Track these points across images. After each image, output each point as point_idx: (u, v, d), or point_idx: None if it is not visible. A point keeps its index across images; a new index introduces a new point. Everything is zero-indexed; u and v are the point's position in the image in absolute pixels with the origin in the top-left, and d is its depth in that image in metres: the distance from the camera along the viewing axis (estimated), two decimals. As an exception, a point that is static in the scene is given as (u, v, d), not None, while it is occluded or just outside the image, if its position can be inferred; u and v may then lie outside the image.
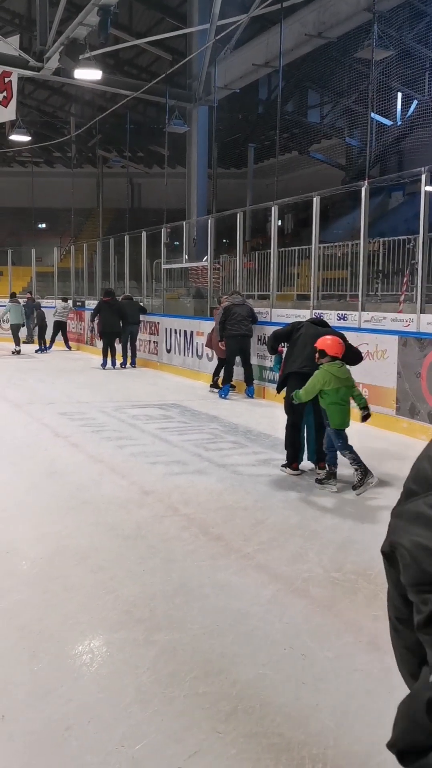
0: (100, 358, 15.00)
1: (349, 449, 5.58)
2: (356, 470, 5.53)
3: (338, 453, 5.64)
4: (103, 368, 14.59)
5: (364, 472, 5.51)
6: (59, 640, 3.15)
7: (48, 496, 5.47)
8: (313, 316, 6.93)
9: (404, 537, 0.99)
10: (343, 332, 8.67)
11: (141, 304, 16.00)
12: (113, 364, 14.76)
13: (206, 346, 12.12)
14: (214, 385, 11.28)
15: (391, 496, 5.54)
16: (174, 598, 3.58)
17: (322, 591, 3.67)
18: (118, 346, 14.97)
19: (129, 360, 15.02)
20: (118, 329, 14.69)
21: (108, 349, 14.75)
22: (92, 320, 15.84)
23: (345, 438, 5.62)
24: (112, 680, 2.80)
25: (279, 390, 6.45)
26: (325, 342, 5.64)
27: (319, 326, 6.34)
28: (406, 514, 1.01)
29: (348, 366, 5.75)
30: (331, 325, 9.29)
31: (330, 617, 3.38)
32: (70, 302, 19.49)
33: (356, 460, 5.54)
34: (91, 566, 4.03)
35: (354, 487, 5.52)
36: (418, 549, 0.96)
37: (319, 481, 5.78)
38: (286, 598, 3.59)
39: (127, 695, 2.69)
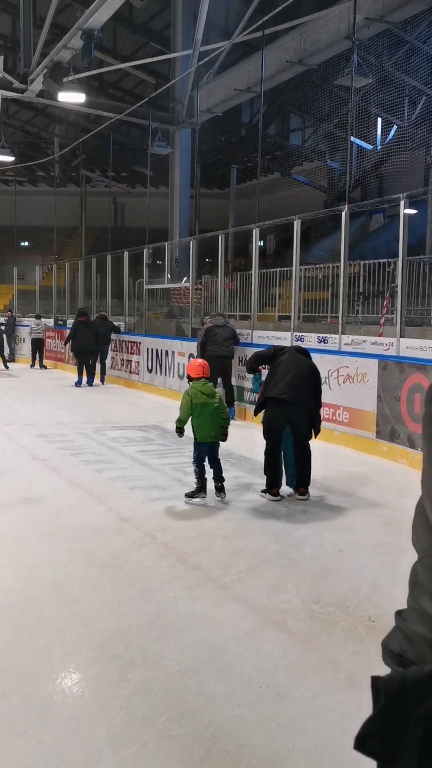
0: (76, 377, 15.26)
1: (198, 462, 5.99)
2: (195, 482, 6.00)
3: (220, 464, 6.09)
4: (78, 386, 14.89)
5: (200, 489, 5.98)
6: (30, 678, 3.08)
7: (24, 522, 5.38)
8: (297, 344, 6.93)
9: None
10: (322, 355, 8.73)
11: (116, 323, 16.22)
12: (89, 382, 15.07)
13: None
14: None
15: (369, 525, 5.52)
16: (149, 632, 3.52)
17: (299, 624, 3.63)
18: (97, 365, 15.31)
19: (98, 377, 15.46)
20: (92, 347, 15.03)
21: (83, 367, 15.05)
22: (66, 342, 16.12)
23: (202, 452, 5.98)
24: (83, 722, 2.73)
25: (256, 413, 6.40)
26: (191, 366, 6.22)
27: (302, 354, 6.33)
28: None
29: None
30: (312, 348, 9.36)
31: (308, 652, 3.33)
32: (43, 320, 19.53)
33: (199, 475, 5.97)
34: (65, 597, 3.96)
35: (186, 494, 6.02)
36: None
37: (188, 495, 6.02)
38: (264, 631, 3.54)
39: (98, 738, 2.62)
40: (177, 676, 3.07)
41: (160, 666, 3.17)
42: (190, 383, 6.10)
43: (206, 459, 6.00)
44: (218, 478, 6.03)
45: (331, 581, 4.24)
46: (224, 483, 6.05)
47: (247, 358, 6.80)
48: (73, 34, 13.61)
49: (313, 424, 6.13)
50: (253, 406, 10.54)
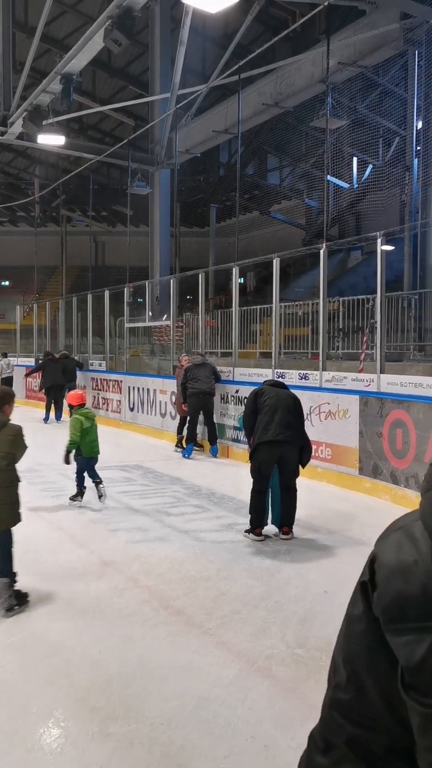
0: (43, 412, 15.27)
1: (79, 474, 7.31)
2: (77, 489, 7.33)
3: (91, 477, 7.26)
4: (46, 422, 14.91)
5: (79, 494, 7.31)
6: (8, 734, 2.97)
7: (3, 570, 5.26)
8: (273, 378, 6.97)
9: None
10: (303, 392, 8.74)
11: (78, 359, 16.50)
12: (57, 417, 15.09)
13: (174, 404, 12.13)
14: (180, 444, 11.21)
15: (353, 564, 5.47)
16: (132, 683, 3.42)
17: (285, 670, 3.55)
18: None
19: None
20: (62, 382, 15.08)
21: (51, 404, 15.13)
22: (27, 375, 16.25)
23: (83, 466, 7.27)
24: (63, 781, 2.63)
25: (252, 456, 6.19)
26: (72, 396, 7.56)
27: (279, 388, 6.32)
28: None
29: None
30: (293, 384, 9.38)
31: (294, 700, 3.26)
32: (11, 358, 19.50)
33: (80, 483, 7.32)
34: (46, 647, 3.86)
35: (69, 497, 7.37)
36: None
37: (71, 498, 7.32)
38: (249, 679, 3.46)
39: (78, 798, 2.52)
40: (160, 729, 2.98)
41: (142, 718, 3.08)
42: (73, 412, 7.30)
43: (86, 471, 7.30)
44: (98, 483, 7.25)
45: (317, 624, 4.18)
46: (103, 486, 7.29)
47: (242, 419, 6.72)
48: (52, 78, 13.83)
49: (302, 457, 6.10)
50: (235, 443, 10.56)
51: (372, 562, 0.91)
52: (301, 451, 6.08)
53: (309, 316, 13.70)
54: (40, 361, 16.90)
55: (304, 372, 9.83)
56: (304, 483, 8.33)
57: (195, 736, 2.93)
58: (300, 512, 6.53)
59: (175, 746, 2.86)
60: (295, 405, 6.16)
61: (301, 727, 3.01)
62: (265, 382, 6.68)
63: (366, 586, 0.91)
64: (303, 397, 9.01)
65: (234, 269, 11.73)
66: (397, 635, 0.85)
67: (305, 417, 8.73)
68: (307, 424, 8.85)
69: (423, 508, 0.88)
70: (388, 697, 0.88)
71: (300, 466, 6.15)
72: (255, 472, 6.06)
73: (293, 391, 6.59)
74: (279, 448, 5.93)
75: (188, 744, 2.88)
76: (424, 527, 0.86)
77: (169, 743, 2.88)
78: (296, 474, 6.13)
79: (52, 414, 15.14)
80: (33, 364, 19.93)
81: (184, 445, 10.85)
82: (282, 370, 10.27)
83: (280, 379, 8.82)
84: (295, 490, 6.13)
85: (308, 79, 15.07)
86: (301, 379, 9.70)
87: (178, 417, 11.52)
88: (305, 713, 3.12)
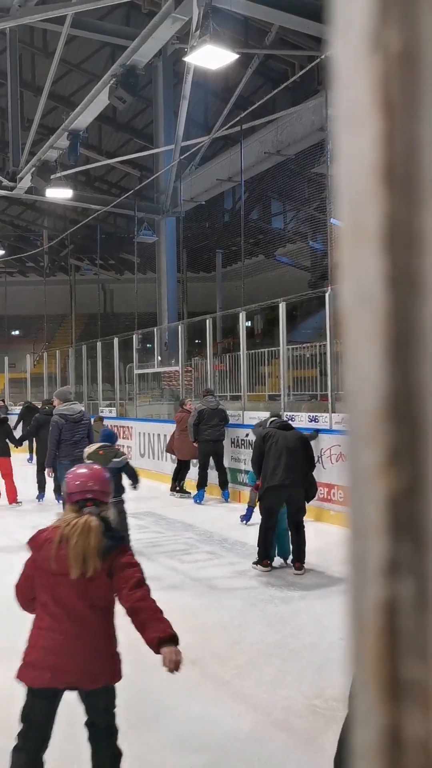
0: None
1: None
2: None
3: None
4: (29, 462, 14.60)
5: None
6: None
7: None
8: (277, 419, 7.08)
9: None
10: (311, 433, 8.75)
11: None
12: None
13: (167, 450, 12.12)
14: (176, 489, 11.28)
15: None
16: (147, 735, 3.38)
17: (302, 722, 3.50)
18: None
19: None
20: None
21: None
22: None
23: None
24: None
25: (260, 500, 6.61)
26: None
27: (285, 430, 6.54)
28: None
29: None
30: (303, 427, 9.40)
31: (311, 752, 3.21)
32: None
33: None
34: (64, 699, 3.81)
35: None
36: None
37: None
38: (266, 731, 3.42)
39: None
40: (176, 786, 2.94)
41: (158, 775, 3.04)
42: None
43: None
44: None
45: (333, 672, 4.12)
46: None
47: (251, 462, 7.01)
48: (59, 134, 14.27)
49: (307, 494, 6.40)
50: (248, 488, 10.53)
51: None
52: (308, 488, 6.38)
53: (317, 358, 13.77)
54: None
55: (314, 414, 9.85)
56: (315, 527, 8.30)
57: (212, 793, 2.89)
58: (313, 556, 6.51)
59: (192, 803, 2.82)
60: (303, 446, 6.44)
61: (319, 781, 2.96)
62: (271, 422, 6.86)
63: None
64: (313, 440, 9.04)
65: (241, 314, 11.87)
66: None
67: (317, 460, 8.78)
68: (318, 467, 8.87)
69: None
70: None
71: (306, 503, 6.47)
72: (264, 512, 6.40)
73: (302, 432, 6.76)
74: (286, 491, 6.24)
75: (205, 801, 2.83)
76: None
77: (185, 800, 2.84)
78: (303, 511, 6.46)
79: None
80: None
81: (180, 490, 11.04)
82: (291, 413, 10.29)
83: (293, 424, 8.93)
84: (303, 526, 6.43)
85: (308, 127, 15.45)
86: (311, 421, 9.72)
87: (177, 462, 11.52)
88: (325, 766, 3.07)
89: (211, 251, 27.82)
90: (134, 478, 6.79)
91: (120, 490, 6.31)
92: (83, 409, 9.07)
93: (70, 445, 8.03)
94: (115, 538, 2.63)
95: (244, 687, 3.94)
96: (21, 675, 2.54)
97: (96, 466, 2.94)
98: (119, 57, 11.68)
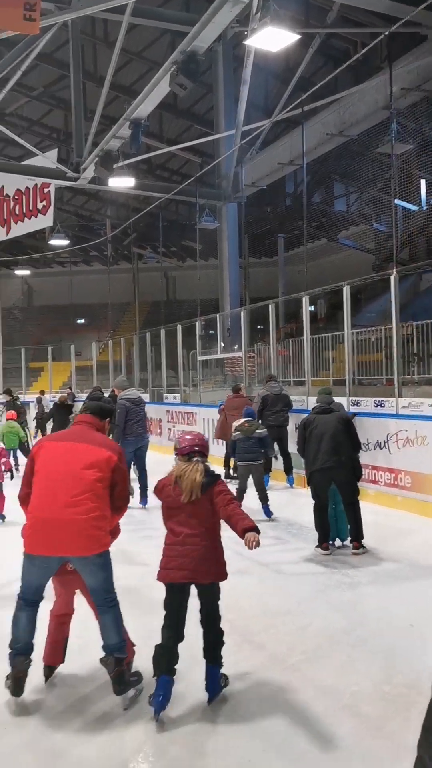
0: None
1: None
2: None
3: None
4: None
5: None
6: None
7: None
8: (318, 405, 7.02)
9: None
10: (380, 419, 8.63)
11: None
12: None
13: (216, 438, 12.06)
14: (231, 475, 11.24)
15: (440, 595, 5.32)
16: (217, 719, 3.44)
17: (372, 708, 3.49)
18: None
19: None
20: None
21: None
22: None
23: None
24: None
25: (308, 483, 6.79)
26: None
27: (326, 414, 6.69)
28: None
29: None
30: (368, 412, 9.29)
31: (382, 739, 3.19)
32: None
33: None
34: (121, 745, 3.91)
35: None
36: None
37: None
38: (335, 716, 3.42)
39: None
40: (248, 766, 2.98)
41: (229, 756, 3.08)
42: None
43: None
44: None
45: (402, 659, 4.08)
46: None
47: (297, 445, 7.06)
48: (121, 124, 14.37)
49: (354, 473, 6.57)
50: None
51: None
52: (353, 468, 6.57)
53: (382, 342, 13.51)
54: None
55: (380, 399, 9.70)
56: (384, 511, 8.21)
57: (283, 775, 2.92)
58: (380, 542, 6.46)
59: (263, 784, 2.85)
60: (344, 426, 6.59)
61: (391, 766, 2.95)
62: (313, 408, 7.00)
63: None
64: (379, 424, 8.92)
65: (304, 298, 11.76)
66: None
67: (383, 445, 8.65)
68: (384, 452, 8.75)
69: None
70: None
71: (355, 482, 6.62)
72: (313, 496, 6.63)
73: (370, 420, 6.71)
74: (329, 473, 6.42)
75: (276, 782, 2.86)
76: None
77: (256, 781, 2.88)
78: (355, 491, 6.56)
79: None
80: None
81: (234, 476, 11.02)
82: (356, 398, 10.16)
83: (358, 410, 9.00)
84: (357, 506, 6.52)
85: (372, 106, 15.09)
86: (377, 406, 9.58)
87: (225, 446, 11.48)
88: (394, 752, 3.05)
89: (273, 236, 27.61)
90: (269, 447, 8.63)
91: (260, 454, 8.26)
92: (140, 393, 10.25)
93: (133, 424, 9.35)
94: (213, 476, 3.68)
95: (313, 672, 3.95)
96: (159, 576, 3.61)
97: (199, 431, 4.15)
98: (179, 44, 11.64)
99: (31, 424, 18.32)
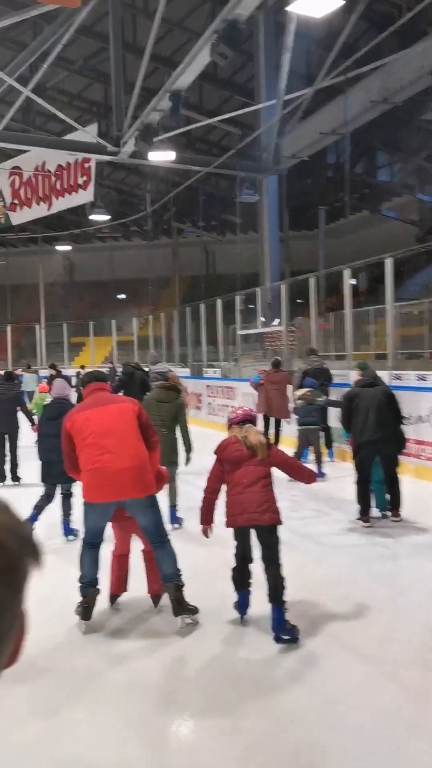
0: None
1: None
2: None
3: None
4: None
5: None
6: (146, 723, 3.14)
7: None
8: (362, 378, 7.04)
9: None
10: (422, 393, 8.55)
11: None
12: None
13: (258, 412, 11.94)
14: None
15: None
16: (261, 680, 3.52)
17: (414, 675, 3.53)
18: None
19: None
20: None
21: None
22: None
23: None
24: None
25: (353, 456, 6.81)
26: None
27: (372, 388, 6.74)
28: None
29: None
30: (410, 386, 9.20)
31: (423, 704, 3.23)
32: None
33: None
34: (180, 644, 4.02)
35: None
36: None
37: None
38: (377, 682, 3.47)
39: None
40: (290, 727, 3.06)
41: (272, 716, 3.16)
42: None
43: None
44: None
45: (445, 629, 4.10)
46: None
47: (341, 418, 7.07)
48: (161, 96, 14.32)
49: (398, 445, 6.67)
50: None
51: None
52: (397, 441, 6.66)
53: (425, 315, 13.33)
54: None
55: (422, 373, 9.59)
56: (425, 485, 8.16)
57: (324, 736, 2.98)
58: (420, 515, 6.46)
59: (305, 743, 2.92)
60: (388, 400, 6.65)
61: (432, 731, 2.99)
62: (356, 382, 7.11)
63: None
64: (422, 398, 8.83)
65: (345, 271, 11.64)
66: None
67: (426, 419, 8.58)
68: (426, 425, 8.68)
69: None
70: None
71: (398, 455, 6.73)
72: (357, 468, 6.66)
73: (412, 394, 6.68)
74: (376, 445, 6.47)
75: (318, 743, 2.93)
76: None
77: (299, 741, 2.95)
78: (396, 464, 6.69)
79: None
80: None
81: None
82: (398, 372, 10.06)
83: (400, 383, 8.94)
84: (397, 478, 6.64)
85: (417, 71, 14.67)
86: (419, 380, 9.47)
87: (270, 421, 11.42)
88: (436, 718, 3.09)
89: (314, 208, 27.23)
90: (325, 414, 9.42)
91: (318, 420, 9.09)
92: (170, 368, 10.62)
93: None
94: (267, 438, 4.39)
95: (355, 639, 4.00)
96: (227, 523, 4.20)
97: (247, 407, 4.82)
98: (219, 12, 11.49)
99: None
